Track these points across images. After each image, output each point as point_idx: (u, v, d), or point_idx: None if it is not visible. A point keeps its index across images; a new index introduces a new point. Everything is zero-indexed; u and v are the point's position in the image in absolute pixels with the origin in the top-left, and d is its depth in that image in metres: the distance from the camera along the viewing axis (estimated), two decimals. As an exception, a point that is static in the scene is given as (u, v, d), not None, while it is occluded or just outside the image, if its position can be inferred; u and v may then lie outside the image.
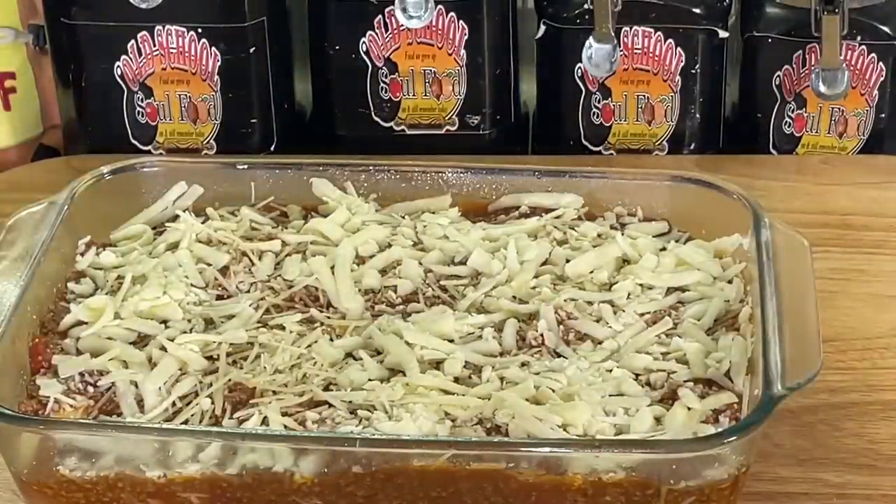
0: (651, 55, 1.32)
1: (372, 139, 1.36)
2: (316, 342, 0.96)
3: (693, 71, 1.33)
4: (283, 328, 0.98)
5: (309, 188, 1.11)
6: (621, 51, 1.30)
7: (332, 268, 1.03)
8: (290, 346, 0.96)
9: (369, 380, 0.93)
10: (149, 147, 1.37)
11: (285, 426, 0.90)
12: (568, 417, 0.89)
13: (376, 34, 1.33)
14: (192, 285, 1.02)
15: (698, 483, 0.87)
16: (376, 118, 1.37)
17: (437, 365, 0.95)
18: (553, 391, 0.91)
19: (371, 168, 1.12)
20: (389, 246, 1.06)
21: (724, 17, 1.33)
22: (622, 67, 1.32)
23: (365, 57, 1.34)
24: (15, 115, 1.40)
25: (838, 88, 1.29)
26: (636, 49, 1.32)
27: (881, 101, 1.33)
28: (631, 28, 1.31)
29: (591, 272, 1.03)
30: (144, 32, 1.32)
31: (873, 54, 1.31)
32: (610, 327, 0.98)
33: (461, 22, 1.33)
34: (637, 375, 0.94)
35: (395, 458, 0.87)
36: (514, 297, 1.01)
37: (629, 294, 1.01)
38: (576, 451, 0.86)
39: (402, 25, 1.31)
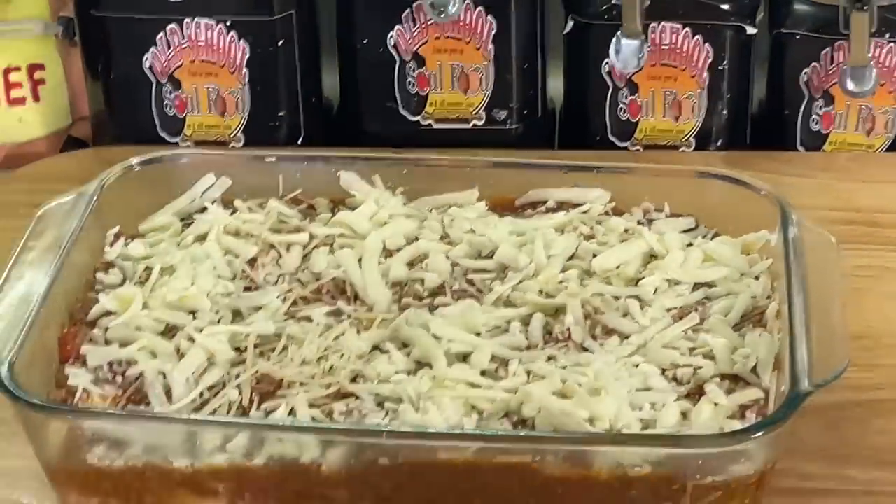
0: (679, 51, 1.32)
1: (399, 133, 1.36)
2: (343, 334, 0.96)
3: (721, 67, 1.33)
4: (310, 320, 0.98)
5: (336, 181, 1.11)
6: (649, 46, 1.30)
7: (360, 260, 1.03)
8: (318, 338, 0.96)
9: (396, 372, 0.94)
10: (177, 139, 1.37)
11: (312, 417, 0.90)
12: (594, 412, 0.89)
13: (404, 28, 1.34)
14: (220, 276, 1.03)
15: (724, 478, 0.87)
16: (403, 112, 1.37)
17: (464, 358, 0.95)
18: (580, 385, 0.91)
19: (398, 161, 1.12)
20: (417, 239, 1.06)
21: (753, 13, 1.33)
22: (650, 63, 1.32)
23: (393, 51, 1.35)
24: (44, 107, 1.41)
25: (866, 86, 1.29)
26: (664, 45, 1.32)
27: (909, 99, 1.32)
28: (659, 24, 1.31)
29: (618, 267, 1.03)
30: (173, 25, 1.33)
31: (902, 52, 1.31)
32: (637, 322, 0.98)
33: (489, 16, 1.33)
34: (664, 370, 0.94)
35: (422, 450, 0.87)
36: (541, 292, 1.01)
37: (656, 289, 1.01)
38: (602, 446, 0.86)
39: (430, 20, 1.31)
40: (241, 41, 1.33)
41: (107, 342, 0.97)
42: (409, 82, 1.36)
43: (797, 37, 1.33)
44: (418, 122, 1.37)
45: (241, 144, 1.37)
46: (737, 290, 1.01)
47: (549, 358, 0.95)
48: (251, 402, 0.92)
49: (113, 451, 0.89)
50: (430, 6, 1.29)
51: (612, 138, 1.36)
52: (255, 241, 1.06)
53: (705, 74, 1.33)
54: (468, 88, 1.35)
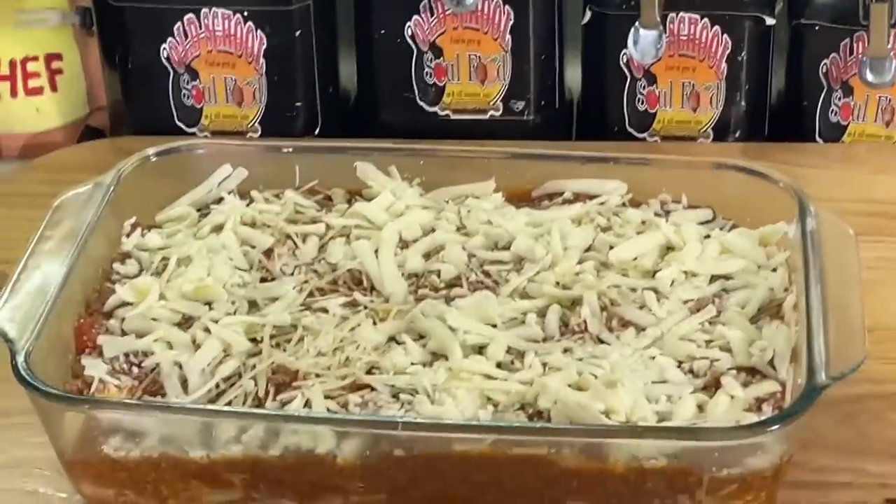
0: (697, 42, 1.32)
1: (416, 124, 1.36)
2: (359, 325, 0.96)
3: (739, 58, 1.32)
4: (326, 311, 0.98)
5: (353, 172, 1.11)
6: (667, 37, 1.30)
7: (376, 251, 1.03)
8: (334, 329, 0.96)
9: (412, 364, 0.94)
10: (194, 129, 1.37)
11: (328, 409, 0.90)
12: (610, 404, 0.89)
13: (422, 18, 1.33)
14: (236, 267, 1.03)
15: (740, 471, 0.86)
16: (420, 102, 1.37)
17: (480, 350, 0.95)
18: (596, 377, 0.91)
19: (415, 152, 1.12)
20: (433, 230, 1.06)
21: (772, 3, 1.32)
22: (668, 54, 1.31)
23: (410, 41, 1.34)
24: (61, 96, 1.41)
25: (886, 77, 1.28)
26: (682, 35, 1.32)
27: (929, 90, 1.32)
28: (677, 14, 1.31)
29: (635, 259, 1.03)
30: (191, 15, 1.33)
31: (922, 43, 1.30)
32: (653, 314, 0.98)
33: (507, 7, 1.33)
34: (680, 363, 0.94)
35: (437, 442, 0.87)
36: (558, 283, 1.01)
37: (673, 281, 1.01)
38: (618, 438, 0.86)
39: (447, 10, 1.31)
40: (259, 31, 1.33)
41: (123, 333, 0.97)
42: (427, 73, 1.35)
43: (816, 27, 1.32)
44: (435, 112, 1.37)
45: (257, 135, 1.37)
46: (754, 282, 1.01)
47: (565, 350, 0.95)
48: (267, 393, 0.92)
49: (128, 441, 0.89)
50: (449, -3, 1.29)
51: (629, 129, 1.36)
52: (271, 232, 1.06)
53: (723, 65, 1.33)
54: (485, 79, 1.35)
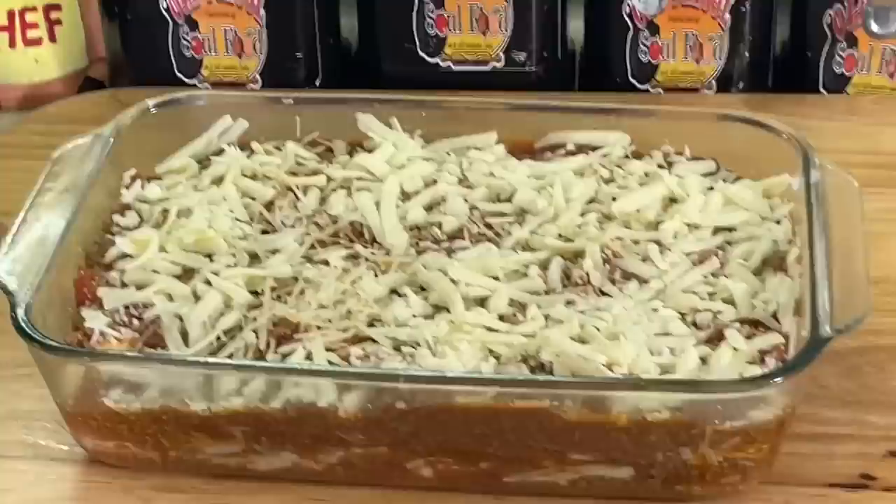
0: (701, -8, 1.31)
1: (417, 75, 1.35)
2: (360, 278, 0.96)
3: (743, 9, 1.31)
4: (327, 263, 0.98)
5: (354, 123, 1.10)
6: (671, -13, 1.29)
7: (378, 204, 1.03)
8: (335, 282, 0.95)
9: (413, 316, 0.93)
10: (193, 81, 1.36)
11: (329, 361, 0.90)
12: (613, 356, 0.88)
13: (423, -32, 1.33)
14: (237, 219, 1.02)
15: (743, 424, 0.86)
16: (422, 53, 1.36)
17: (482, 302, 0.95)
18: (598, 330, 0.91)
19: (417, 104, 1.11)
20: (435, 182, 1.06)
21: (775, -46, 1.31)
22: (671, 4, 1.31)
23: (411, -9, 1.34)
24: (60, 48, 1.40)
25: (891, 27, 1.28)
26: (685, -14, 1.31)
27: (934, 41, 1.31)
28: (681, -36, 1.30)
29: (638, 211, 1.02)
30: (190, -35, 1.32)
31: (927, -7, 1.29)
32: (656, 266, 0.98)
33: (509, -43, 1.32)
34: (683, 315, 0.94)
35: (439, 395, 0.87)
36: (560, 235, 1.00)
37: (676, 233, 1.01)
38: (620, 391, 0.86)
39: (449, -40, 1.31)
40: (259, -19, 1.33)
41: (123, 285, 0.97)
42: (428, 23, 1.34)
43: (820, -23, 1.31)
44: (437, 63, 1.36)
45: (258, 86, 1.36)
46: (758, 234, 1.00)
47: (568, 302, 0.94)
48: (268, 345, 0.92)
49: (129, 394, 0.89)
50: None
51: (632, 81, 1.35)
52: (272, 184, 1.06)
53: (727, 16, 1.32)
54: (487, 30, 1.34)
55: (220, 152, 1.09)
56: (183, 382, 0.88)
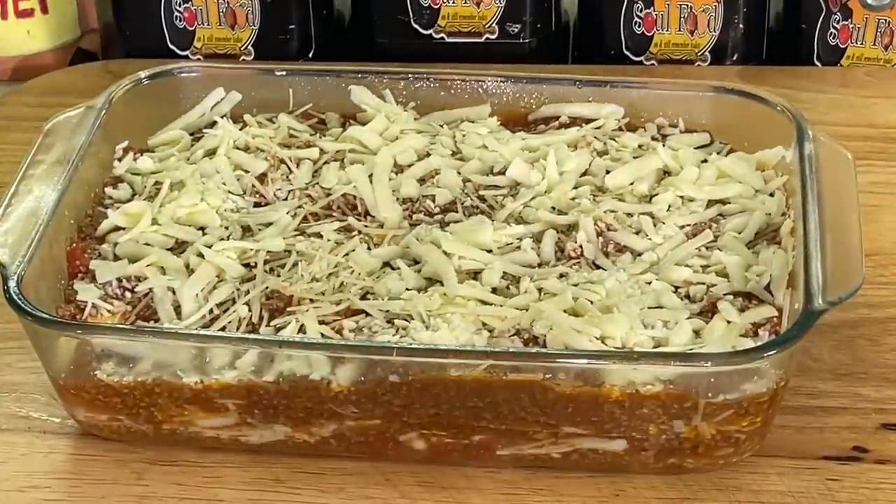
0: (695, -36, 1.31)
1: (411, 47, 1.35)
2: (353, 251, 0.96)
3: (737, -20, 1.31)
4: (320, 236, 0.98)
5: (347, 96, 1.10)
6: (665, -41, 1.29)
7: (370, 176, 1.02)
8: (328, 255, 0.95)
9: (407, 289, 0.93)
10: (186, 52, 1.36)
11: (322, 334, 0.89)
12: (606, 329, 0.88)
13: (417, -61, 1.32)
14: (229, 192, 1.02)
15: (736, 396, 0.86)
16: (415, 25, 1.35)
17: (475, 275, 0.94)
18: (591, 303, 0.91)
19: (410, 76, 1.11)
20: (428, 155, 1.05)
21: (771, -76, 1.31)
22: (665, -24, 1.30)
23: (405, -37, 1.33)
24: (52, 19, 1.39)
25: (885, -1, 1.28)
26: (680, -43, 1.31)
27: (929, 13, 1.31)
28: (675, -64, 1.30)
29: (632, 184, 1.02)
30: (183, -65, 1.32)
31: (922, -36, 1.29)
32: (650, 239, 0.97)
33: (502, -73, 1.31)
34: (676, 288, 0.94)
35: (432, 367, 0.87)
36: (553, 208, 1.00)
37: (669, 206, 1.00)
38: (614, 364, 0.86)
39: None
40: (252, -48, 1.32)
41: (116, 257, 0.97)
42: (422, -5, 1.34)
43: (816, -51, 1.31)
44: (430, 35, 1.35)
45: (251, 58, 1.36)
46: (751, 206, 1.00)
47: (561, 275, 0.94)
48: (261, 318, 0.91)
49: (122, 367, 0.89)
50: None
51: (626, 53, 1.35)
52: (264, 157, 1.05)
53: (722, -12, 1.31)
54: (481, 2, 1.34)
55: (212, 125, 1.09)
56: (176, 355, 0.88)
